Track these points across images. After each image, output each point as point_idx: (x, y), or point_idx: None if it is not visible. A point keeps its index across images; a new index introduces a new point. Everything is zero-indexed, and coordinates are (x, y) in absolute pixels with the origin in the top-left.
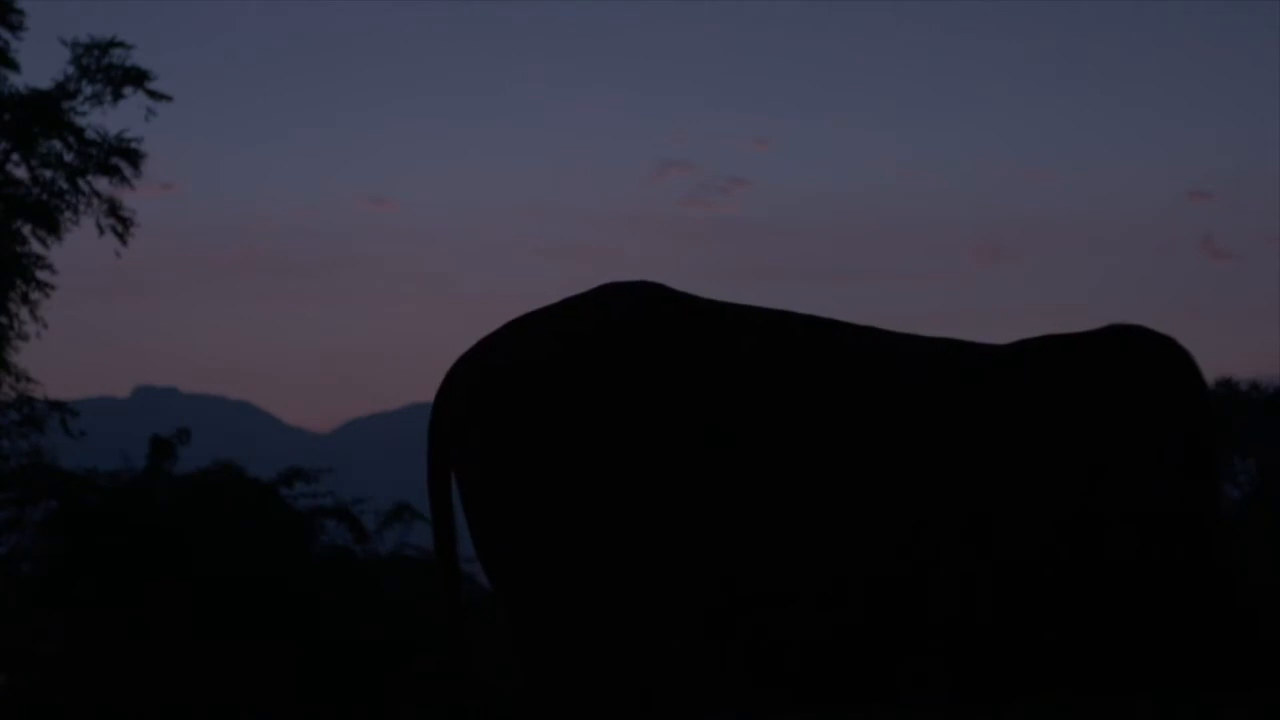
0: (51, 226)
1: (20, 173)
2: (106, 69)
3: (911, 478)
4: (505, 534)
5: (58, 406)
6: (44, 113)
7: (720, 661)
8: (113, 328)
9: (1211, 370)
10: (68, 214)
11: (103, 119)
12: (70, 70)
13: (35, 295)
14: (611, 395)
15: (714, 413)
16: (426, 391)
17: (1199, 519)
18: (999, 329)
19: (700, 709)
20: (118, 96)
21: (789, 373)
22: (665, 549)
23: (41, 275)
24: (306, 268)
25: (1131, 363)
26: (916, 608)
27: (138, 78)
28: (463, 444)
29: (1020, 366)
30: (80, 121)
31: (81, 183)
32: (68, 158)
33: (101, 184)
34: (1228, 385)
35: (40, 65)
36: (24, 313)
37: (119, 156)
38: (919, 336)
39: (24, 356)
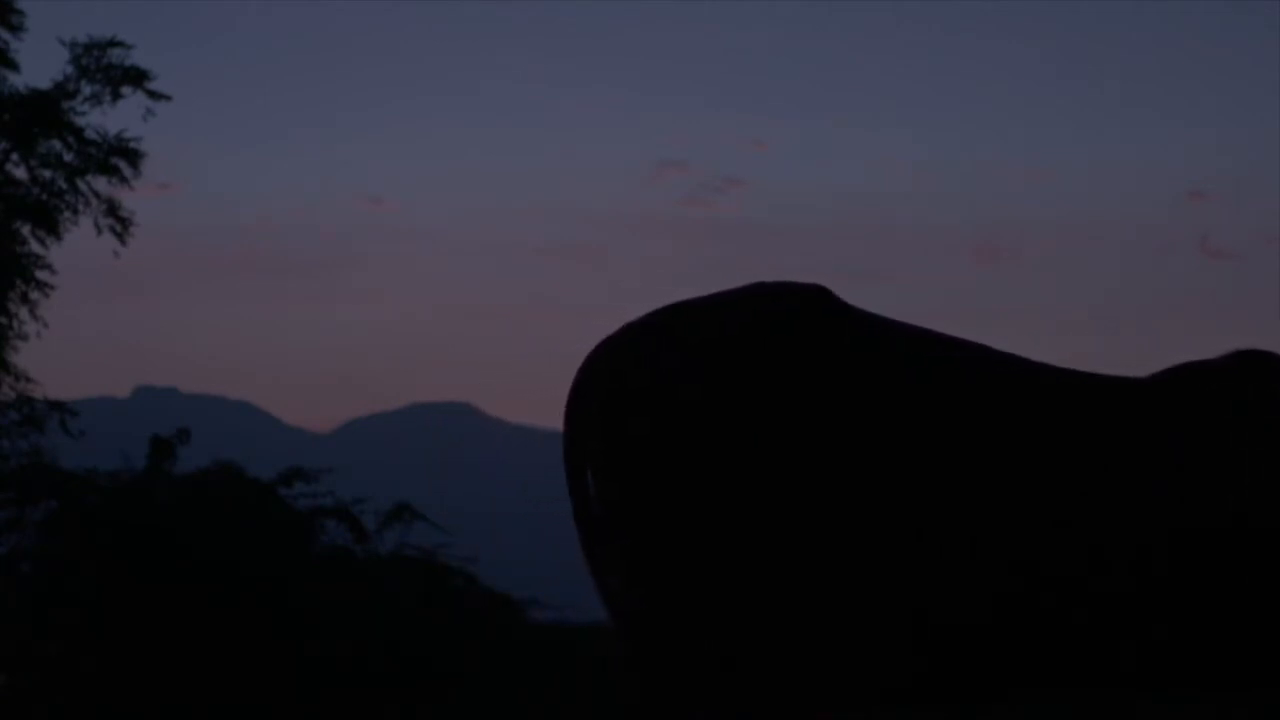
0: (51, 226)
1: (20, 173)
2: (106, 69)
3: (1079, 499)
4: (633, 543)
5: (58, 406)
6: (43, 113)
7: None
8: (113, 328)
9: None
10: (67, 214)
11: (102, 119)
12: (70, 70)
13: (35, 295)
14: (725, 413)
15: (836, 431)
16: (426, 391)
17: None
18: (999, 329)
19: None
20: (117, 96)
21: (943, 395)
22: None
23: (41, 275)
24: (306, 268)
25: (1266, 385)
26: (1089, 614)
27: (137, 78)
28: (589, 452)
29: (1174, 394)
30: (80, 121)
31: (81, 183)
32: (67, 158)
33: (101, 184)
34: None
35: (40, 65)
36: (24, 313)
37: (118, 156)
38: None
39: (24, 356)
